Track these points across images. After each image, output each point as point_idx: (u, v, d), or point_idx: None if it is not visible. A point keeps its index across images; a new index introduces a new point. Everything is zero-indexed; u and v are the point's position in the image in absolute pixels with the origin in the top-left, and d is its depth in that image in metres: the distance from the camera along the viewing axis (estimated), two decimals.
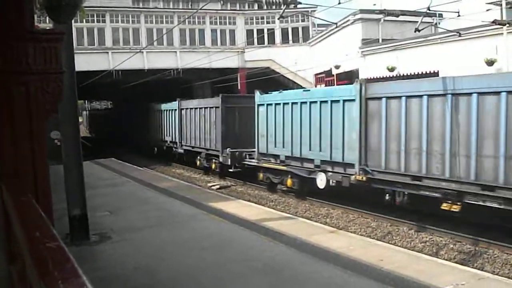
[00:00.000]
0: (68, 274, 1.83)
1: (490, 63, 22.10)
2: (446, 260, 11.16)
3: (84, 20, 36.06)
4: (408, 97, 14.53)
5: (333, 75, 34.26)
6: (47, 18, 5.87)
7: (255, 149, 22.17)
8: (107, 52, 38.32)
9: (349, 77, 31.70)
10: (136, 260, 9.29)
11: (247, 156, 23.38)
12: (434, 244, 13.24)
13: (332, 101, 17.39)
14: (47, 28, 9.11)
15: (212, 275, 8.28)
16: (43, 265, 2.01)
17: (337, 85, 31.37)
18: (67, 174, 10.99)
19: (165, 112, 35.58)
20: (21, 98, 4.33)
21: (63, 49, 5.26)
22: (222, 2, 45.66)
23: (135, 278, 8.16)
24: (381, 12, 23.97)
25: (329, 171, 17.60)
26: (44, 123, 4.54)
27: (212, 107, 26.52)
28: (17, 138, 4.42)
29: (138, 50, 34.76)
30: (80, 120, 57.32)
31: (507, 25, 20.58)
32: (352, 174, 16.20)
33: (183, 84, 40.77)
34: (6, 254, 4.98)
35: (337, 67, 33.18)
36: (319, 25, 43.32)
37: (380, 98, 15.51)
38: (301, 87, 33.97)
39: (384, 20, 29.93)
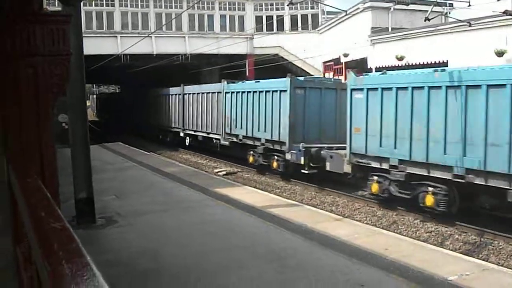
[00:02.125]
0: (72, 254, 1.83)
1: (500, 54, 21.95)
2: (451, 250, 11.17)
3: (93, 4, 36.13)
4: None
5: (342, 63, 34.13)
6: (56, 1, 5.85)
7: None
8: (116, 36, 38.31)
9: (358, 65, 31.58)
10: (142, 244, 9.33)
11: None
12: (439, 234, 13.23)
13: None
14: (55, 10, 9.11)
15: (217, 260, 8.31)
16: (47, 245, 2.01)
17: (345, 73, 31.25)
18: (74, 158, 11.02)
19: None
20: (29, 80, 4.33)
21: (72, 32, 5.25)
22: None
23: (140, 262, 8.20)
24: (391, 0, 23.85)
25: None
26: (52, 105, 4.55)
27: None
28: (24, 120, 4.42)
29: (147, 35, 34.72)
30: (88, 104, 57.40)
31: None
32: None
33: (191, 69, 40.73)
34: (12, 236, 5.01)
35: (345, 55, 33.04)
36: (328, 13, 43.12)
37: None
38: (309, 75, 33.89)
39: (394, 9, 29.80)
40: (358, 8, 32.28)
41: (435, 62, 24.46)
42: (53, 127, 4.90)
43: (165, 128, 36.83)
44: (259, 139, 22.77)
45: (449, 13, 29.08)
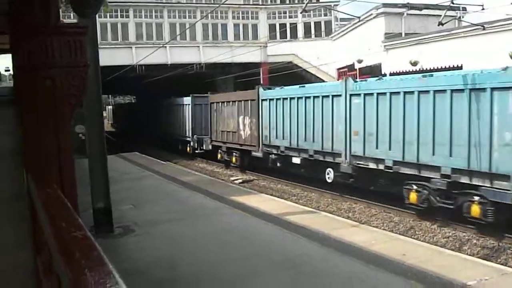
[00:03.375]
0: (95, 262, 1.87)
1: None
2: (469, 255, 11.09)
3: (108, 15, 36.44)
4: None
5: (356, 70, 34.09)
6: (72, 13, 5.95)
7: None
8: (131, 47, 38.61)
9: (372, 71, 31.53)
10: (158, 253, 9.37)
11: None
12: (457, 239, 13.14)
13: None
14: (72, 22, 9.22)
15: (233, 269, 8.32)
16: (69, 254, 2.04)
17: (360, 79, 31.23)
18: (91, 168, 11.12)
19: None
20: (47, 92, 4.40)
21: (88, 44, 5.32)
22: None
23: (156, 270, 8.24)
24: (404, 5, 23.88)
25: None
26: (70, 116, 4.62)
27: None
28: (43, 130, 4.49)
29: (161, 45, 34.96)
30: (104, 114, 57.76)
31: None
32: None
33: (206, 78, 40.90)
34: (32, 245, 5.08)
35: (359, 61, 33.00)
36: (341, 19, 43.12)
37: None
38: (323, 81, 33.89)
39: (407, 14, 29.75)
40: (371, 14, 32.26)
41: (449, 66, 24.35)
42: (71, 137, 4.97)
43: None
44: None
45: (463, 17, 28.98)
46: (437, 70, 24.15)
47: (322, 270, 8.29)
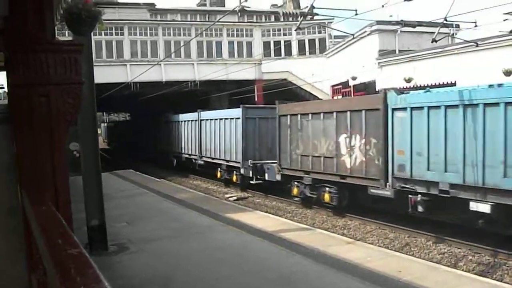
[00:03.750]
0: (90, 279, 1.86)
1: (508, 73, 21.94)
2: (465, 271, 11.07)
3: (103, 33, 36.47)
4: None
5: (350, 86, 34.21)
6: (67, 31, 5.96)
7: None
8: (125, 65, 38.64)
9: (366, 88, 31.65)
10: (153, 271, 9.32)
11: None
12: (452, 255, 13.13)
13: None
14: (67, 40, 9.24)
15: (228, 286, 8.28)
16: (65, 272, 2.03)
17: (354, 96, 31.32)
18: (86, 185, 11.09)
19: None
20: (42, 108, 4.40)
21: (83, 61, 5.34)
22: (239, 14, 45.80)
23: None
24: (397, 23, 23.94)
25: None
26: (65, 133, 4.61)
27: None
28: (38, 147, 4.48)
29: (156, 63, 35.00)
30: (99, 131, 57.60)
31: None
32: None
33: (200, 95, 40.96)
34: (26, 263, 5.05)
35: (354, 78, 33.12)
36: (335, 37, 43.33)
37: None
38: (318, 99, 33.99)
39: (401, 31, 29.90)
40: (365, 32, 32.43)
41: (443, 83, 24.49)
42: (66, 154, 4.96)
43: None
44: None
45: (456, 34, 29.14)
46: (431, 86, 24.27)
47: (318, 287, 8.26)
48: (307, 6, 20.25)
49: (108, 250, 10.80)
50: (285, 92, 35.51)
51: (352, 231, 16.34)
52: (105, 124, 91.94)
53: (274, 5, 55.88)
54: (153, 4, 47.52)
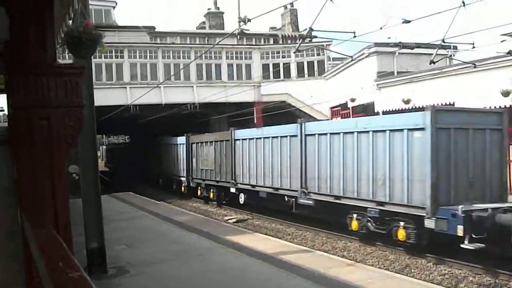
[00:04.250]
0: None
1: (506, 93, 22.04)
2: None
3: (103, 56, 36.67)
4: None
5: (349, 108, 34.32)
6: (67, 54, 6.02)
7: None
8: (125, 87, 38.77)
9: (365, 109, 31.74)
10: None
11: None
12: (453, 277, 13.06)
13: None
14: (68, 63, 9.31)
15: None
16: None
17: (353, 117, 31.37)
18: (85, 208, 11.06)
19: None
20: (43, 131, 4.42)
21: (83, 84, 5.38)
22: (238, 37, 46.14)
23: None
24: (396, 45, 24.12)
25: None
26: (65, 156, 4.63)
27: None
28: (38, 170, 4.49)
29: (156, 85, 35.16)
30: (98, 154, 57.59)
31: None
32: None
33: (200, 118, 41.08)
34: (26, 287, 5.02)
35: (352, 100, 33.24)
36: (334, 59, 43.57)
37: None
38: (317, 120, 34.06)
39: (399, 53, 30.08)
40: (364, 54, 32.62)
41: (441, 103, 24.57)
42: (66, 177, 4.97)
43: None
44: None
45: (454, 55, 29.31)
46: None
47: None
48: (306, 29, 20.44)
49: (107, 273, 10.75)
50: (285, 114, 35.63)
51: (352, 253, 16.27)
52: (105, 147, 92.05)
53: (273, 28, 56.21)
54: (152, 27, 47.80)
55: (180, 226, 17.41)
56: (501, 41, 22.83)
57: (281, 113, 35.32)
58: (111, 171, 71.25)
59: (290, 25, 53.18)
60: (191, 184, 33.72)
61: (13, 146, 4.99)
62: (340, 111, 36.35)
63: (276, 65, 42.12)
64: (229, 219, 23.89)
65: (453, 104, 23.40)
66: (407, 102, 27.70)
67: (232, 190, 27.17)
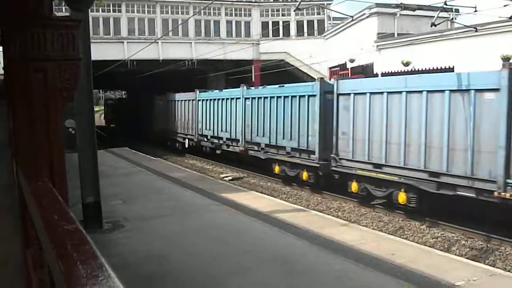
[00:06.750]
0: (87, 255, 1.85)
1: (506, 59, 21.89)
2: (458, 256, 11.15)
3: (100, 10, 36.20)
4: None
5: (348, 69, 34.13)
6: (64, 7, 5.91)
7: None
8: (122, 42, 38.39)
9: (364, 70, 31.57)
10: (148, 249, 9.35)
11: None
12: (445, 240, 13.20)
13: None
14: (65, 15, 9.17)
15: (223, 265, 8.32)
16: (61, 247, 2.02)
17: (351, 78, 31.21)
18: (81, 162, 11.06)
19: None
20: (39, 84, 4.36)
21: (80, 38, 5.29)
22: None
23: (146, 266, 8.23)
24: (397, 6, 23.90)
25: None
26: (61, 109, 4.58)
27: None
28: (33, 124, 4.45)
29: (153, 40, 34.81)
30: (97, 109, 57.36)
31: None
32: None
33: (197, 75, 40.82)
34: (21, 238, 5.04)
35: (351, 60, 33.03)
36: (334, 18, 43.15)
37: None
38: (314, 80, 33.88)
39: (400, 14, 29.77)
40: (364, 14, 32.27)
41: (441, 67, 24.42)
42: (62, 131, 4.93)
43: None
44: None
45: (455, 18, 29.04)
46: (429, 71, 24.23)
47: (312, 268, 8.30)
48: None
49: (102, 228, 10.83)
50: (283, 73, 35.43)
51: (347, 214, 16.39)
52: (103, 102, 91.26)
53: None
54: None
55: (176, 182, 17.47)
56: (504, 6, 22.55)
57: (280, 72, 35.11)
58: (107, 126, 70.66)
59: None
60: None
61: (8, 99, 4.94)
62: (339, 71, 36.15)
63: (275, 23, 41.71)
64: (224, 177, 23.98)
65: (453, 68, 23.26)
66: (406, 64, 27.54)
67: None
